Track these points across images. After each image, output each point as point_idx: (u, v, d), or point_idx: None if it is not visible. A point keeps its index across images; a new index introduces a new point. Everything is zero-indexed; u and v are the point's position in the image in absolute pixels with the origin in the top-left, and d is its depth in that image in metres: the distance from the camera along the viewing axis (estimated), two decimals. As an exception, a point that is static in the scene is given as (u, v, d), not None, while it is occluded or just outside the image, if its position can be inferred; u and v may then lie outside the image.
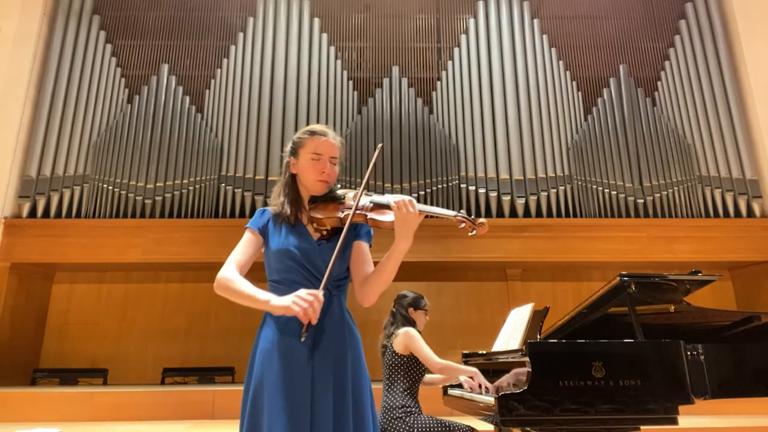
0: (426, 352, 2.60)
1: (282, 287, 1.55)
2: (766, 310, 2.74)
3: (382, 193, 6.53)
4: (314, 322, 1.39)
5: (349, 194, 1.66)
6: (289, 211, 1.62)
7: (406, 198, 1.52)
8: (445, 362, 2.60)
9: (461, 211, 1.57)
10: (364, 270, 1.63)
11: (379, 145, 1.85)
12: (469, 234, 1.53)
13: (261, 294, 1.48)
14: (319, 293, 1.41)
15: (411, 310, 2.84)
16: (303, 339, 1.43)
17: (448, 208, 6.42)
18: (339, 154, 1.68)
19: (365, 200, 1.61)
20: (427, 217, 1.55)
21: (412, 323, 2.79)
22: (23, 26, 6.76)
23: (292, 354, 1.48)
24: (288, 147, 1.72)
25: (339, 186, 1.73)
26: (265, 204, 6.50)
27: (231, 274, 1.54)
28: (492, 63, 7.08)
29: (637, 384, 2.10)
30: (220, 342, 6.55)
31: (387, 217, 1.55)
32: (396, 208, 1.50)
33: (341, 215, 1.58)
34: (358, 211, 1.58)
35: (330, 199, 1.65)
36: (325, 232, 1.61)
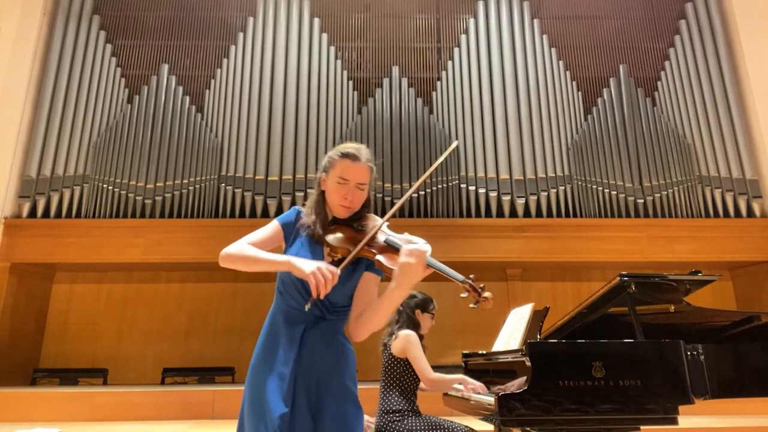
0: (421, 362, 2.56)
1: (281, 299, 1.57)
2: (766, 310, 2.74)
3: (382, 192, 6.42)
4: (321, 296, 1.39)
5: (371, 223, 1.59)
6: (321, 231, 1.57)
7: (421, 248, 1.42)
8: (437, 376, 2.56)
9: (471, 276, 1.45)
10: (364, 304, 1.57)
11: (455, 143, 1.80)
12: (471, 305, 1.43)
13: (280, 257, 1.48)
14: (338, 271, 1.41)
15: (418, 312, 2.78)
16: (308, 308, 1.45)
17: (448, 208, 6.44)
18: (370, 178, 1.61)
19: (381, 237, 1.53)
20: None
21: (416, 325, 2.75)
22: (23, 26, 6.76)
23: (277, 367, 1.48)
24: (323, 161, 1.67)
25: (369, 210, 1.66)
26: (264, 203, 6.47)
27: (243, 245, 1.54)
28: (492, 63, 7.08)
29: (637, 384, 2.10)
30: (220, 342, 6.55)
31: (394, 264, 1.46)
32: (404, 254, 1.42)
33: (352, 248, 1.52)
34: (367, 248, 1.51)
35: (350, 225, 1.59)
36: (335, 258, 1.55)
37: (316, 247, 1.59)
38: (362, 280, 1.58)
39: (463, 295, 1.44)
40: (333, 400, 1.48)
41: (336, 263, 1.52)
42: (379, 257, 1.49)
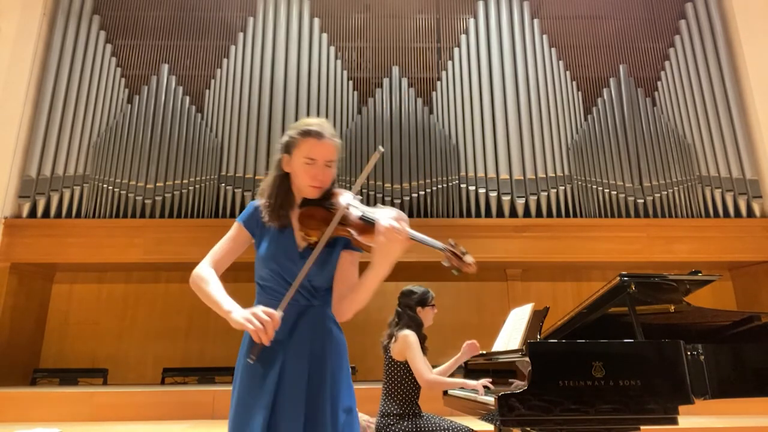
0: (419, 363, 2.52)
1: (263, 293, 1.51)
2: (766, 310, 2.74)
3: (382, 192, 6.39)
4: (266, 343, 1.30)
5: (342, 200, 1.50)
6: (278, 215, 1.51)
7: (396, 224, 1.34)
8: (434, 378, 2.54)
9: (451, 242, 1.39)
10: (345, 284, 1.52)
11: (380, 148, 1.66)
12: (453, 272, 1.36)
13: (226, 303, 1.41)
14: (277, 314, 1.32)
15: (419, 309, 2.75)
16: (251, 360, 1.37)
17: (448, 208, 6.44)
18: (336, 155, 1.54)
19: (355, 213, 1.46)
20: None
21: (419, 324, 2.73)
22: (23, 26, 6.76)
23: (265, 358, 1.42)
24: (282, 140, 1.57)
25: (335, 186, 1.59)
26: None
27: (205, 273, 1.49)
28: (492, 63, 7.07)
29: (637, 384, 2.10)
30: (220, 342, 6.54)
31: (371, 241, 1.40)
32: (381, 233, 1.34)
33: (325, 228, 1.44)
34: (341, 226, 1.44)
35: (320, 205, 1.51)
36: (311, 242, 1.48)
37: (284, 236, 1.52)
38: (341, 261, 1.52)
39: (444, 263, 1.36)
40: (328, 400, 1.41)
41: (311, 246, 1.46)
42: (356, 234, 1.43)
